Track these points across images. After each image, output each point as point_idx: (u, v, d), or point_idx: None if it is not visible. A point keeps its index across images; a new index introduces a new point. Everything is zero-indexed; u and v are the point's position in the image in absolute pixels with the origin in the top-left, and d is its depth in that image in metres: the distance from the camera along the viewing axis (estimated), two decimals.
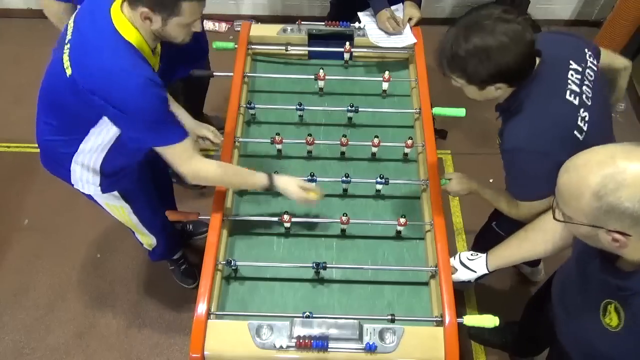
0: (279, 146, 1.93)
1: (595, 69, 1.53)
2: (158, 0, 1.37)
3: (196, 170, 1.57)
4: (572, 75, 1.47)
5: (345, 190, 1.87)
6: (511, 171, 1.56)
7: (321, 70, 2.04)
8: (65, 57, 1.46)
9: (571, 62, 1.49)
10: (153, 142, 1.51)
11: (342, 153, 1.96)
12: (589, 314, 1.22)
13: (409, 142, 1.90)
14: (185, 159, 1.55)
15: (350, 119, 2.05)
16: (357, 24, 2.24)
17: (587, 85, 1.47)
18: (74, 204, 2.73)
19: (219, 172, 1.63)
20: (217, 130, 1.94)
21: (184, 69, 2.12)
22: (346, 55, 2.20)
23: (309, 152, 1.95)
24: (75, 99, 1.46)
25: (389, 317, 1.54)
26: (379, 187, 1.83)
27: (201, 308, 1.51)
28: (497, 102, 1.58)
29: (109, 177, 1.74)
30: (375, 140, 1.89)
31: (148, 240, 2.14)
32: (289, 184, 1.69)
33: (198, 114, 2.93)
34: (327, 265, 1.64)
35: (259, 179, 1.68)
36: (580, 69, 1.49)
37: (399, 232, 1.77)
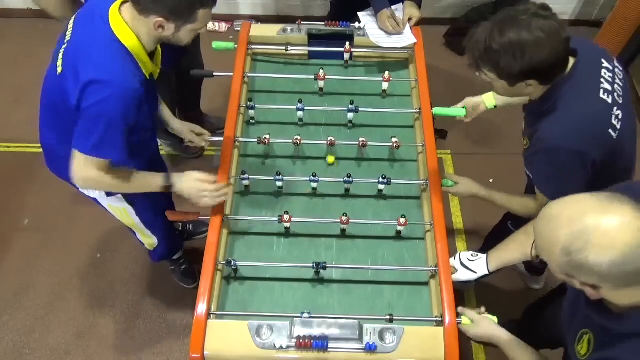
0: (265, 146, 1.93)
1: (622, 68, 1.53)
2: (175, 10, 1.37)
3: (87, 177, 1.52)
4: (605, 73, 1.47)
5: (347, 190, 1.86)
6: (545, 170, 1.53)
7: (321, 70, 2.04)
8: (60, 56, 1.47)
9: (603, 60, 1.50)
10: (76, 141, 1.44)
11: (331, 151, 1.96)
12: (571, 337, 1.24)
13: (394, 141, 1.90)
14: (87, 167, 1.49)
15: (350, 118, 2.05)
16: (357, 24, 2.24)
17: (618, 84, 1.48)
18: (74, 204, 2.73)
19: (114, 180, 1.55)
20: (204, 131, 1.96)
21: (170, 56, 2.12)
22: (346, 55, 2.20)
23: (298, 151, 1.96)
24: (63, 99, 1.46)
25: (387, 317, 1.54)
26: (380, 187, 1.83)
27: (201, 308, 1.51)
28: (524, 103, 1.57)
29: None
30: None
31: (150, 240, 2.15)
32: (188, 181, 1.64)
33: (195, 109, 2.93)
34: (327, 265, 1.64)
35: (155, 179, 1.64)
36: (611, 67, 1.49)
37: (399, 232, 1.77)
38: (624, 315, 1.05)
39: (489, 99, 1.97)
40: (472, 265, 1.63)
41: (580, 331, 1.19)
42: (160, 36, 1.45)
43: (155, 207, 1.98)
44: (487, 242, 2.33)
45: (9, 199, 2.84)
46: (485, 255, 1.64)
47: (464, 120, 2.03)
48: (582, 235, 0.94)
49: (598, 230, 0.94)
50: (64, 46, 1.48)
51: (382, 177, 1.79)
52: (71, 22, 1.52)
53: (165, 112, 1.92)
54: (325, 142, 1.90)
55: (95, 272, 2.60)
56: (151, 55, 1.54)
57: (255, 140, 1.92)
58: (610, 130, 1.43)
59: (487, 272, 1.62)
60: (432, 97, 2.04)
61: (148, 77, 1.53)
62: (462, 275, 1.64)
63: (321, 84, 2.10)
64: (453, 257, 1.68)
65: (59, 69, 1.46)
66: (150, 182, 1.65)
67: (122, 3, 1.46)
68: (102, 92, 1.38)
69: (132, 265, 2.61)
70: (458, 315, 1.53)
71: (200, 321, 1.50)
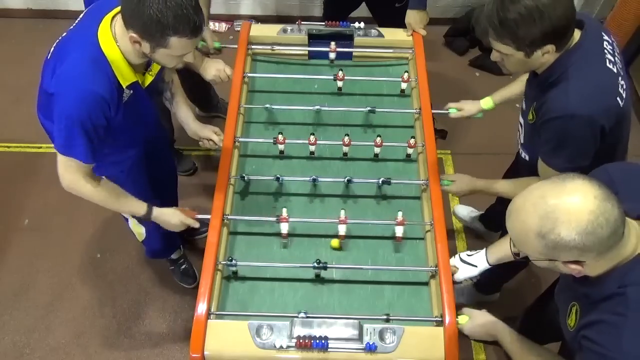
0: (281, 147, 1.93)
1: (616, 43, 1.56)
2: (146, 30, 1.37)
3: (66, 177, 1.57)
4: (606, 45, 1.50)
5: (347, 190, 1.86)
6: (556, 139, 1.51)
7: (340, 72, 2.05)
8: (56, 43, 1.53)
9: (603, 33, 1.52)
10: (57, 145, 1.51)
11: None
12: (563, 312, 1.29)
13: (412, 141, 1.90)
14: (70, 170, 1.55)
15: (349, 119, 2.05)
16: (356, 24, 2.24)
17: (617, 57, 1.51)
18: (74, 204, 2.71)
19: (93, 191, 1.60)
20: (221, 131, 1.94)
21: None
22: (331, 55, 2.17)
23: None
24: (46, 83, 1.51)
25: (384, 316, 1.54)
26: (382, 187, 1.82)
27: (201, 308, 1.51)
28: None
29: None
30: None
31: (139, 229, 2.13)
32: (171, 215, 1.74)
33: (208, 103, 2.89)
34: (327, 266, 1.64)
35: (136, 206, 1.70)
36: (610, 41, 1.52)
37: (395, 236, 1.75)
38: (602, 280, 1.12)
39: (486, 102, 2.00)
40: (472, 259, 1.64)
41: (570, 304, 1.25)
42: (140, 52, 1.46)
43: (144, 198, 1.97)
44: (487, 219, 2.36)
45: (9, 199, 2.84)
46: (484, 249, 1.64)
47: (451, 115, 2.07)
48: (549, 215, 1.02)
49: (561, 206, 1.01)
50: (64, 34, 1.53)
51: (382, 179, 1.79)
52: (83, 14, 1.56)
53: (182, 114, 1.91)
54: (339, 142, 1.90)
55: (95, 272, 2.60)
56: (147, 65, 1.57)
57: (258, 140, 1.93)
58: (618, 99, 1.45)
59: (487, 265, 1.63)
60: (432, 97, 2.04)
61: (126, 87, 1.53)
62: (464, 272, 1.65)
63: (340, 84, 2.09)
64: (452, 257, 1.68)
65: (49, 55, 1.52)
66: (131, 205, 1.70)
67: (115, 16, 1.49)
68: (65, 96, 1.43)
69: (133, 264, 2.61)
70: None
71: (200, 321, 1.50)
